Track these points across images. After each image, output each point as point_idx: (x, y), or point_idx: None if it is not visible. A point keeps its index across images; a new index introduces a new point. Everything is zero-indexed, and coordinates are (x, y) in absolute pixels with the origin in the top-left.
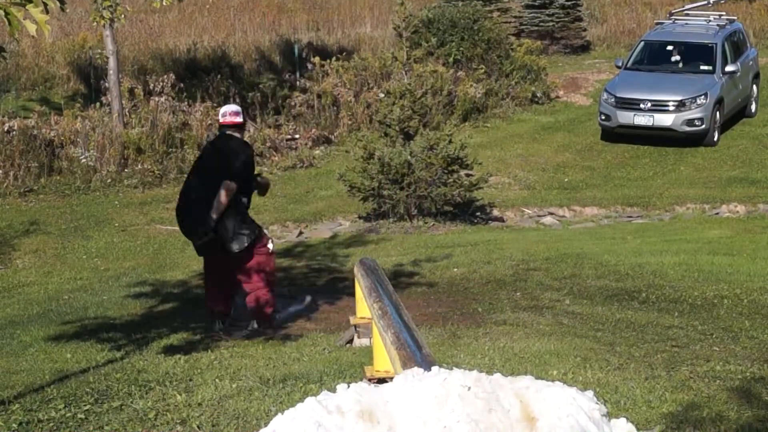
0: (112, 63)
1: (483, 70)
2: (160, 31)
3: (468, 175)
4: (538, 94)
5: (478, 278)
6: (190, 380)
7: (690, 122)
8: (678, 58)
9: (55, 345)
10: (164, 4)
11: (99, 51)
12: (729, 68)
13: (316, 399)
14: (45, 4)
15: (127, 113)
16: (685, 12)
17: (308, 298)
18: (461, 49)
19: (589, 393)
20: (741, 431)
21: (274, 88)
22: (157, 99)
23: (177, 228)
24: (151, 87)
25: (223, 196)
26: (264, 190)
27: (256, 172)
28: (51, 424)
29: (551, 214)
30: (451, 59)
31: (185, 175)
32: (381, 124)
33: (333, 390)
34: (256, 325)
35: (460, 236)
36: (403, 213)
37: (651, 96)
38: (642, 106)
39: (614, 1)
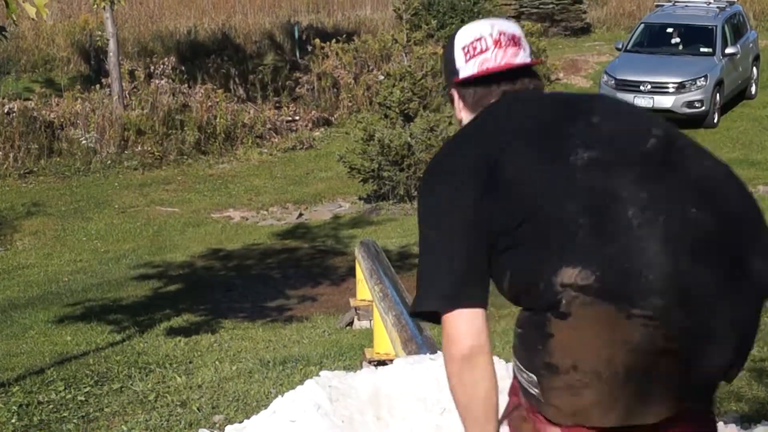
0: (112, 45)
1: None
2: (161, 12)
3: None
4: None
5: None
6: (190, 362)
7: (690, 104)
8: (678, 40)
9: (55, 327)
10: None
11: (99, 33)
12: (729, 50)
13: (316, 381)
14: None
15: (128, 95)
16: None
17: None
18: None
19: None
20: (741, 412)
21: (275, 70)
22: (157, 81)
23: (176, 209)
24: (151, 69)
25: None
26: None
27: None
28: (51, 406)
29: None
30: None
31: (185, 157)
32: (381, 106)
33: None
34: None
35: None
36: (403, 194)
37: (651, 78)
38: (642, 88)
39: None
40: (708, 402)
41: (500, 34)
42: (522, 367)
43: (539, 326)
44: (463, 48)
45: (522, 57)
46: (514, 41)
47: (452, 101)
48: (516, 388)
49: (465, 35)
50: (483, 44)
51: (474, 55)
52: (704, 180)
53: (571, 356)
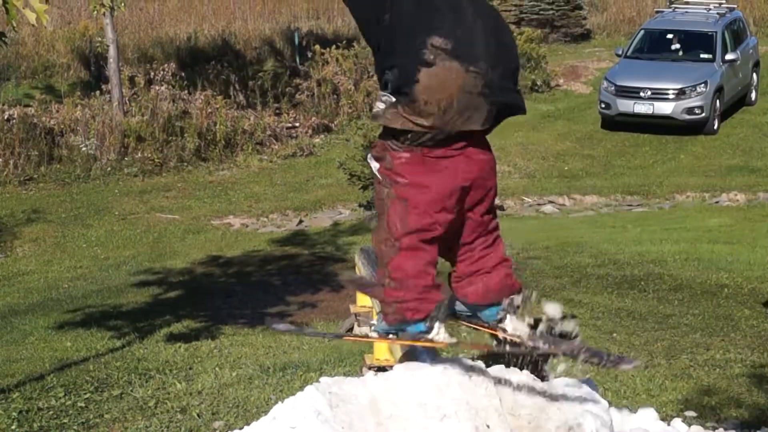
0: (112, 51)
1: None
2: (160, 19)
3: None
4: (538, 83)
5: None
6: (190, 368)
7: (690, 110)
8: (678, 46)
9: (55, 333)
10: None
11: (99, 39)
12: (729, 56)
13: (316, 387)
14: None
15: (128, 101)
16: (685, 0)
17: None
18: None
19: (589, 382)
20: (741, 419)
21: (275, 76)
22: (157, 88)
23: (176, 216)
24: (151, 75)
25: None
26: None
27: None
28: (51, 413)
29: (551, 202)
30: None
31: (185, 164)
32: None
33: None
34: None
35: None
36: None
37: (651, 84)
38: (642, 94)
39: None
40: (494, 125)
41: None
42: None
43: (410, 76)
44: None
45: None
46: None
47: None
48: (381, 147)
49: None
50: None
51: None
52: (492, 10)
53: (426, 94)
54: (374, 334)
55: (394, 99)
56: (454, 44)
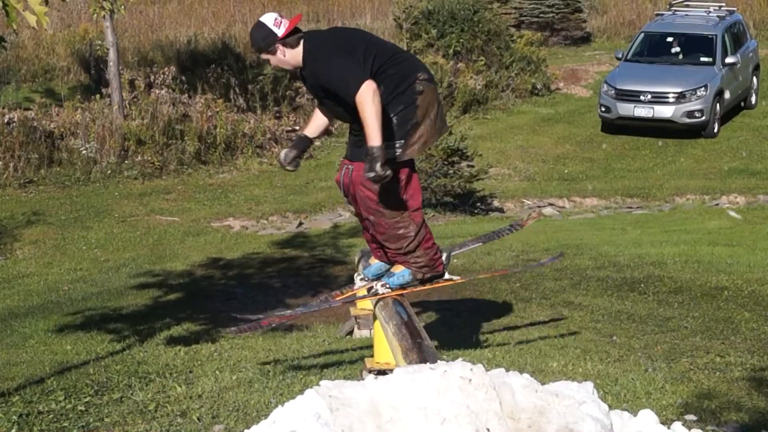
0: (112, 54)
1: (483, 62)
2: (161, 22)
3: (468, 167)
4: (538, 86)
5: (478, 269)
6: (191, 372)
7: (690, 114)
8: (678, 49)
9: (55, 336)
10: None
11: (99, 42)
12: (729, 60)
13: (316, 390)
14: None
15: (128, 105)
16: (685, 3)
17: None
18: (461, 40)
19: (589, 385)
20: (741, 423)
21: (275, 79)
22: (157, 91)
23: (176, 219)
24: (152, 79)
25: None
26: None
27: None
28: (51, 416)
29: (551, 205)
30: (451, 51)
31: (185, 167)
32: None
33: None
34: None
35: (461, 227)
36: None
37: (651, 88)
38: (642, 97)
39: None
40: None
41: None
42: (392, 143)
43: (410, 105)
44: (274, 22)
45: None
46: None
47: (276, 56)
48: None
49: (268, 19)
50: (279, 19)
51: (279, 24)
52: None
53: (422, 114)
54: (385, 290)
55: (402, 141)
56: (427, 74)
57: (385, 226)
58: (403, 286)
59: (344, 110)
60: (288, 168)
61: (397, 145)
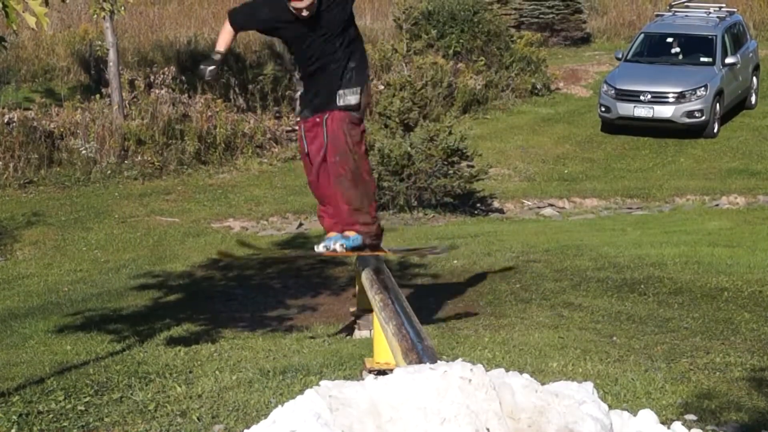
0: (112, 55)
1: (483, 62)
2: (161, 22)
3: (468, 167)
4: (538, 86)
5: (478, 270)
6: (190, 372)
7: (690, 114)
8: (678, 50)
9: (55, 337)
10: None
11: (99, 43)
12: (729, 60)
13: (316, 390)
14: None
15: (128, 105)
16: (685, 4)
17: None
18: (461, 41)
19: (589, 385)
20: (741, 423)
21: (275, 79)
22: (157, 91)
23: (176, 219)
24: (151, 79)
25: None
26: None
27: None
28: (51, 416)
29: (551, 205)
30: (451, 51)
31: (185, 167)
32: (381, 116)
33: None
34: None
35: (461, 228)
36: (403, 204)
37: (651, 88)
38: (642, 97)
39: None
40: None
41: None
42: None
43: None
44: None
45: None
46: None
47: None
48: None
49: None
50: None
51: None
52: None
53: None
54: (342, 249)
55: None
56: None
57: (361, 168)
58: (354, 249)
59: (339, 45)
60: (208, 78)
61: (360, 91)
